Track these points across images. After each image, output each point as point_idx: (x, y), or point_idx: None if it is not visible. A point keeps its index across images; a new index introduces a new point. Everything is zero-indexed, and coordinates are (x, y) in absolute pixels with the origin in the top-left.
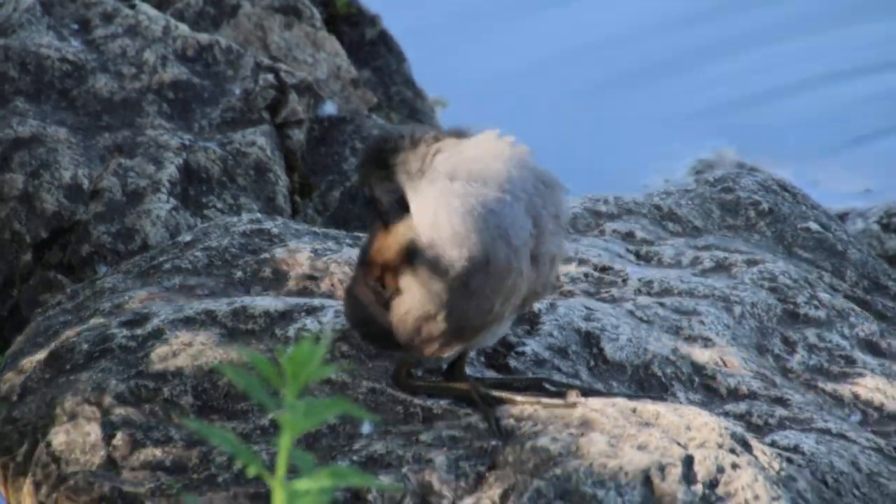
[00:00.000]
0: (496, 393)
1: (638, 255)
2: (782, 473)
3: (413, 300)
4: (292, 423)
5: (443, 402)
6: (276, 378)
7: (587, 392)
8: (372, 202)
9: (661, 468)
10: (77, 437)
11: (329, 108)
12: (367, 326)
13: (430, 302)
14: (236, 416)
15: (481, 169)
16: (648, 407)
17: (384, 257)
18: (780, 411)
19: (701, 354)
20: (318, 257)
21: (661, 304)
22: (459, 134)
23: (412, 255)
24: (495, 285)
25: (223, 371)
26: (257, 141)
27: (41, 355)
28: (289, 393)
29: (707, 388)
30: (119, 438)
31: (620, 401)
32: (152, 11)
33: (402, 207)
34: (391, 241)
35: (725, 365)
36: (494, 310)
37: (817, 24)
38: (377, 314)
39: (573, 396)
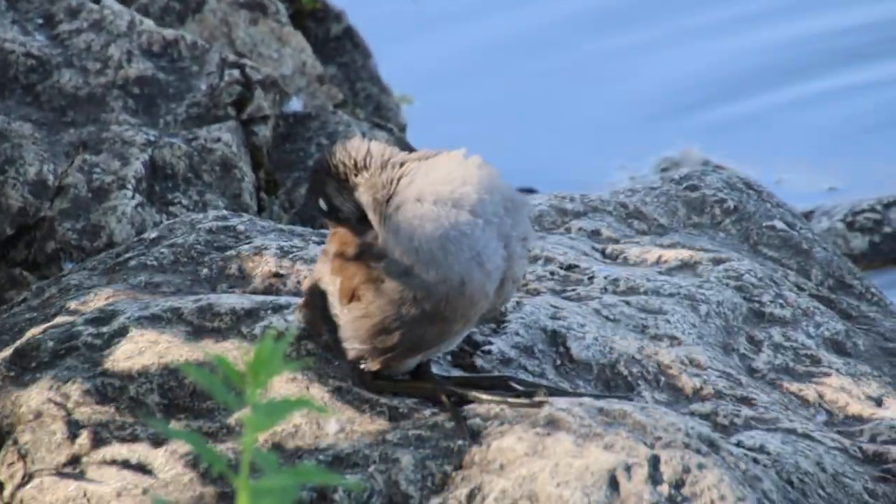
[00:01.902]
0: (462, 392)
1: (604, 254)
2: (748, 474)
3: (374, 309)
4: (255, 422)
5: (409, 402)
6: (238, 377)
7: (553, 391)
8: (330, 211)
9: (628, 468)
10: (43, 435)
11: (295, 105)
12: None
13: (391, 319)
14: (202, 414)
15: (451, 191)
16: (615, 407)
17: (345, 258)
18: (745, 411)
19: (667, 354)
20: (284, 255)
21: (627, 303)
22: (426, 157)
23: (379, 277)
24: (465, 310)
25: (186, 370)
26: (223, 137)
27: (6, 353)
28: (250, 391)
29: (673, 388)
30: (85, 437)
31: (587, 400)
32: (117, 6)
33: (364, 221)
34: (351, 248)
35: (691, 364)
36: (454, 331)
37: (779, 17)
38: (327, 314)
39: (539, 395)
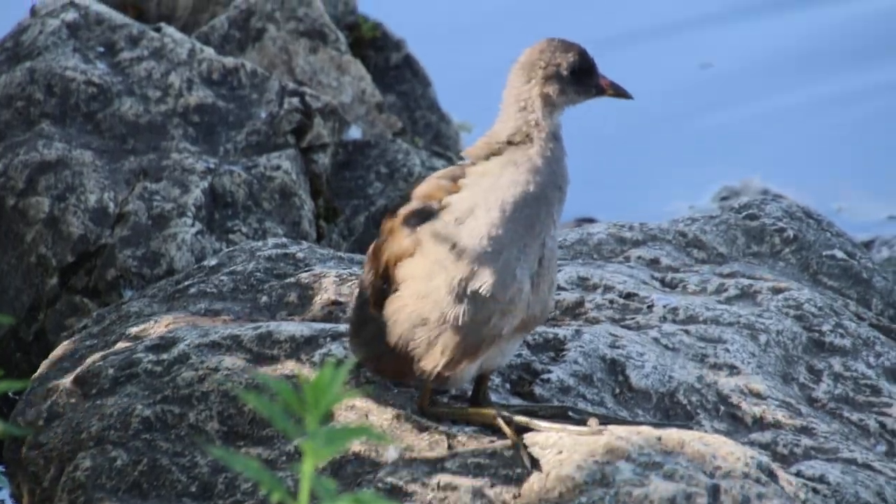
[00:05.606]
0: (521, 419)
1: (663, 282)
2: (808, 503)
3: (408, 295)
4: (315, 450)
5: (468, 429)
6: (299, 404)
7: (612, 420)
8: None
9: (688, 497)
10: (103, 462)
11: (354, 133)
12: (369, 344)
13: (429, 300)
14: (262, 442)
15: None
16: (674, 435)
17: (399, 248)
18: (805, 441)
19: (726, 383)
20: (342, 282)
21: (687, 332)
22: None
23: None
24: (500, 292)
25: (246, 398)
26: (282, 165)
27: (67, 380)
28: (310, 419)
29: (732, 417)
30: (145, 464)
31: (646, 429)
32: (178, 34)
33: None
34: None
35: (751, 394)
36: (492, 321)
37: (835, 57)
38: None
39: (597, 424)
